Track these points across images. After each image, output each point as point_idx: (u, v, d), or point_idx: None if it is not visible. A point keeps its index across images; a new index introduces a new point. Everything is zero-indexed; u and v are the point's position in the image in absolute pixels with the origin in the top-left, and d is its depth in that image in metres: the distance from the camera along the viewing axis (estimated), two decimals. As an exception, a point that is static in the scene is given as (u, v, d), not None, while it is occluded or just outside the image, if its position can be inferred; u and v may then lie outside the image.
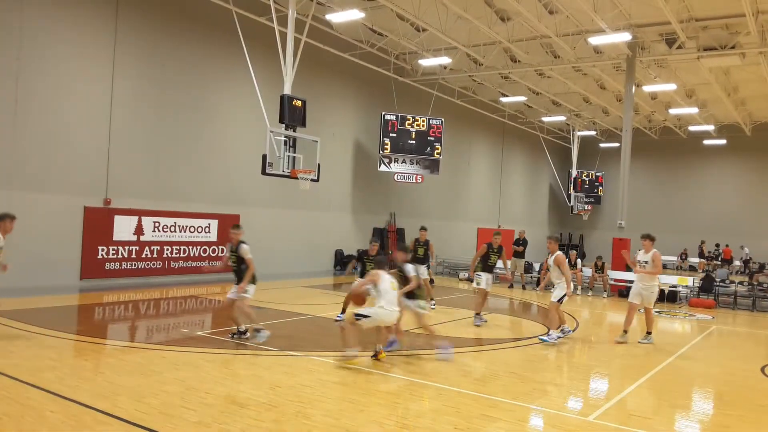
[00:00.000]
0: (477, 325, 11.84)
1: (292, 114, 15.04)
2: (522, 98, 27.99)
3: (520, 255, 20.63)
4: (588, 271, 19.56)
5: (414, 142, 23.26)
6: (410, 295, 8.91)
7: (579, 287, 19.17)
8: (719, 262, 31.65)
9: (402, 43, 20.99)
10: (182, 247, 16.99)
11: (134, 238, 15.94)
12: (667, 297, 17.94)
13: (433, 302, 14.13)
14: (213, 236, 17.92)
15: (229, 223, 18.34)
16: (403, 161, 23.41)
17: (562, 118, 32.25)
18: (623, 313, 10.80)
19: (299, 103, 15.20)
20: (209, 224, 17.82)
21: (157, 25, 16.38)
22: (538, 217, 38.20)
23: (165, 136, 16.73)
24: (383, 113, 23.01)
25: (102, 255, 15.27)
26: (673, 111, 28.90)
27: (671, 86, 23.38)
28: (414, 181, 23.68)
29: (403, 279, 8.85)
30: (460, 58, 22.73)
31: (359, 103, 23.60)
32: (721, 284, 18.54)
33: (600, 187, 36.96)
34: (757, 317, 15.74)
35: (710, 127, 32.56)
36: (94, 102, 15.10)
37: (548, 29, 18.81)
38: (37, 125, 14.02)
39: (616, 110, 30.27)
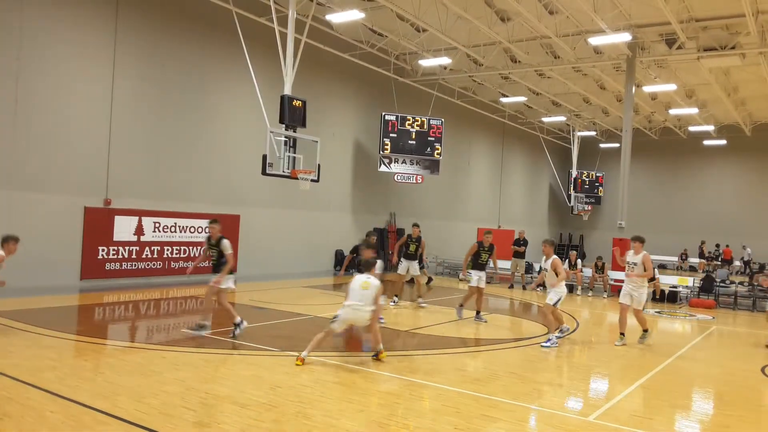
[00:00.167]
0: (459, 317, 12.35)
1: (292, 114, 15.05)
2: (522, 98, 27.99)
3: (520, 255, 20.63)
4: (588, 272, 19.58)
5: (414, 142, 23.26)
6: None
7: (579, 287, 19.19)
8: (719, 263, 31.66)
9: (402, 43, 20.99)
10: (182, 248, 16.98)
11: (134, 238, 15.94)
12: (668, 297, 17.96)
13: (421, 300, 14.27)
14: (213, 236, 17.90)
15: (229, 223, 18.41)
16: (403, 161, 23.41)
17: (562, 118, 32.25)
18: (632, 317, 10.78)
19: (299, 103, 15.21)
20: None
21: (157, 25, 16.38)
22: (538, 218, 38.20)
23: (165, 136, 16.73)
24: (383, 113, 23.02)
25: (102, 255, 15.27)
26: (673, 111, 28.91)
27: (671, 86, 23.39)
28: (414, 181, 23.69)
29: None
30: (460, 59, 22.73)
31: (359, 103, 23.60)
32: (722, 284, 18.55)
33: (600, 188, 36.97)
34: (757, 317, 15.73)
35: (710, 128, 32.56)
36: (94, 102, 15.10)
37: (548, 29, 18.81)
38: (37, 125, 14.02)
39: (616, 110, 30.27)
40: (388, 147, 22.93)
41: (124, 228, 15.69)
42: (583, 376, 8.59)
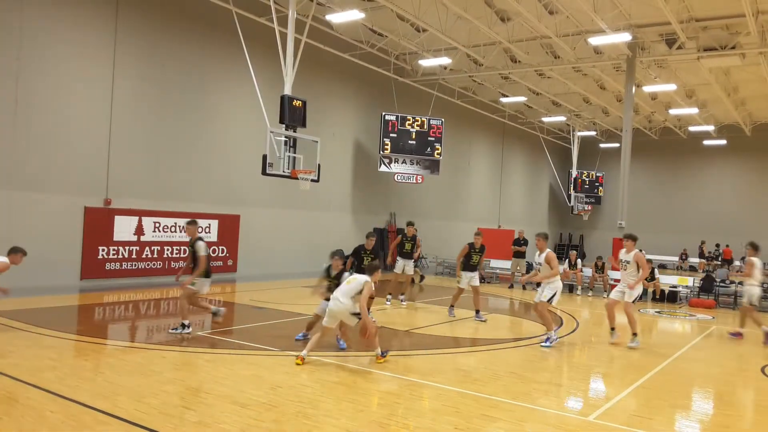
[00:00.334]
0: (451, 315, 12.64)
1: (292, 114, 15.05)
2: (522, 98, 27.99)
3: (520, 255, 20.64)
4: (588, 271, 19.58)
5: (414, 142, 23.26)
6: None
7: (579, 287, 19.20)
8: (719, 262, 31.64)
9: (402, 43, 20.99)
10: (182, 248, 16.97)
11: (134, 238, 15.94)
12: (668, 297, 17.96)
13: (402, 297, 14.38)
14: (213, 236, 17.92)
15: (229, 223, 18.45)
16: (403, 161, 23.41)
17: (562, 118, 32.25)
18: (623, 314, 10.78)
19: (299, 103, 15.21)
20: (209, 224, 17.83)
21: (157, 25, 16.38)
22: (538, 217, 38.19)
23: (165, 136, 16.73)
24: (383, 113, 23.02)
25: (102, 255, 15.27)
26: (673, 111, 28.91)
27: (671, 86, 23.39)
28: (414, 181, 23.69)
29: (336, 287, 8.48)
30: (460, 59, 22.73)
31: (359, 103, 23.60)
32: (722, 284, 18.54)
33: (600, 187, 36.97)
34: (757, 317, 15.70)
35: (710, 128, 32.56)
36: (94, 102, 15.10)
37: (548, 29, 18.81)
38: (37, 125, 14.02)
39: (616, 110, 30.27)
40: (388, 147, 22.93)
41: (124, 228, 15.69)
42: (583, 376, 8.59)
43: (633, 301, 10.46)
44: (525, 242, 20.84)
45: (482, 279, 16.54)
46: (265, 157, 14.53)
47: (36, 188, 14.03)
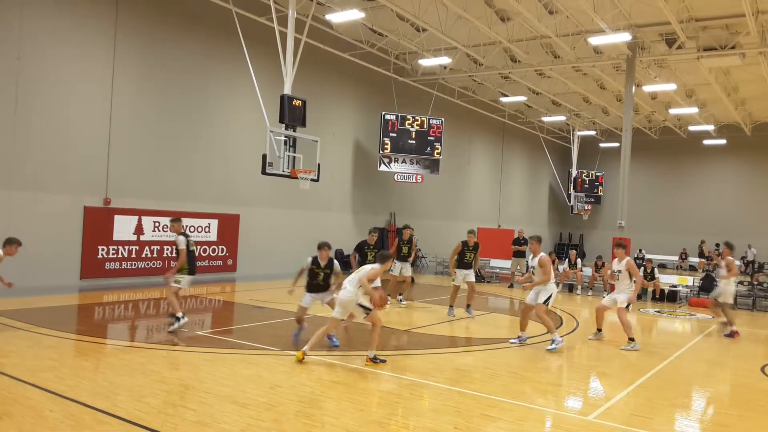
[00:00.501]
0: (451, 315, 12.68)
1: (292, 114, 15.05)
2: (522, 98, 28.00)
3: (520, 254, 20.63)
4: (588, 271, 19.58)
5: (414, 142, 23.26)
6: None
7: (579, 287, 19.20)
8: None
9: (402, 43, 20.98)
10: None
11: (134, 237, 15.94)
12: (667, 297, 17.95)
13: (401, 297, 14.55)
14: (213, 236, 17.93)
15: (229, 223, 18.45)
16: (403, 161, 23.41)
17: (562, 118, 32.25)
18: (615, 317, 10.77)
19: (299, 103, 15.21)
20: (209, 224, 17.83)
21: (157, 25, 16.37)
22: (538, 217, 38.19)
23: (165, 136, 16.72)
24: (383, 113, 23.01)
25: (102, 255, 15.27)
26: (673, 111, 28.90)
27: (671, 86, 23.38)
28: (414, 181, 23.69)
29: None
30: (460, 58, 22.73)
31: (359, 103, 23.60)
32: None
33: (600, 187, 36.98)
34: (757, 317, 15.74)
35: (710, 127, 32.56)
36: (94, 102, 15.10)
37: (548, 29, 18.81)
38: (37, 125, 14.01)
39: (616, 110, 30.27)
40: (388, 146, 22.93)
41: (123, 227, 15.69)
42: (583, 375, 8.60)
43: (627, 307, 10.44)
44: (525, 241, 20.84)
45: (482, 279, 16.57)
46: (264, 157, 14.53)
47: (36, 188, 14.03)
